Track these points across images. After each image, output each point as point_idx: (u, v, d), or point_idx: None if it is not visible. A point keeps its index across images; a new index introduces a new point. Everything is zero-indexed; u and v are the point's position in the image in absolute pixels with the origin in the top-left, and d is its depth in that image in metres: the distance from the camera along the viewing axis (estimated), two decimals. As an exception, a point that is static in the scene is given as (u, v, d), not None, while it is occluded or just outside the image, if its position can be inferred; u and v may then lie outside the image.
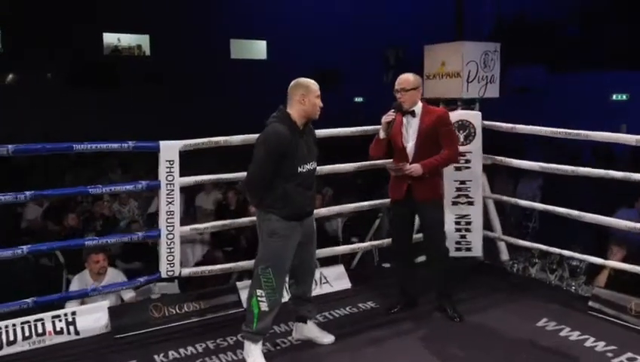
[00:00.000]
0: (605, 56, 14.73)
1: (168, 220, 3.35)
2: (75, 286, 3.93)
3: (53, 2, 15.99)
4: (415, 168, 3.34)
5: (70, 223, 6.37)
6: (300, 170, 2.86)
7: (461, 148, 4.08)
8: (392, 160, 3.61)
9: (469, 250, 4.21)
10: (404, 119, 3.46)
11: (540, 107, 13.71)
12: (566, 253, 3.91)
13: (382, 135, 3.45)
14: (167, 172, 3.30)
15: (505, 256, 4.55)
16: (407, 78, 3.44)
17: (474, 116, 4.12)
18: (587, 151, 9.92)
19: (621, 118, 12.80)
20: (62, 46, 16.38)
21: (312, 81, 2.94)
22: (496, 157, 4.15)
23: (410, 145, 3.44)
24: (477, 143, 4.10)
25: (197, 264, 5.54)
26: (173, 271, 3.44)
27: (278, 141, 2.78)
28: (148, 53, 19.62)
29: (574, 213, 3.78)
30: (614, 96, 15.18)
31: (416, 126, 3.42)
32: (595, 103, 13.97)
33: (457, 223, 4.19)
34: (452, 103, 4.69)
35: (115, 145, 3.23)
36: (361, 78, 19.71)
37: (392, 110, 3.42)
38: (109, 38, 19.15)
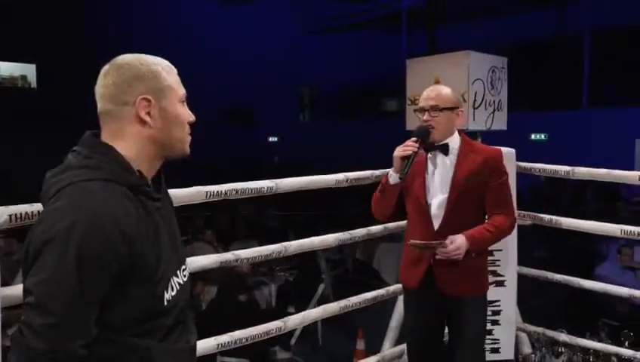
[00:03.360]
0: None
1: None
2: None
3: None
4: (460, 245, 2.06)
5: None
6: (167, 295, 1.22)
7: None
8: (405, 226, 2.32)
9: (496, 351, 2.85)
10: (430, 158, 2.22)
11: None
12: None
13: (393, 179, 2.16)
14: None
15: (527, 348, 3.26)
16: (441, 91, 2.23)
17: (507, 155, 2.82)
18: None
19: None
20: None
21: (160, 60, 1.27)
22: (542, 215, 2.81)
23: (437, 202, 2.16)
24: (510, 195, 2.77)
25: None
26: None
27: (108, 240, 1.09)
28: (34, 85, 17.45)
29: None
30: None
31: (450, 171, 2.17)
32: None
33: (481, 313, 2.82)
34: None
35: None
36: (275, 117, 18.60)
37: (414, 138, 2.14)
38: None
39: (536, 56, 14.14)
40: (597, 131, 12.58)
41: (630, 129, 12.04)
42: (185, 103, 1.28)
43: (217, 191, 1.87)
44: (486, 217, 2.25)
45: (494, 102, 3.31)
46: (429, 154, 2.22)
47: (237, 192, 1.90)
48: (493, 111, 3.31)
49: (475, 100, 3.18)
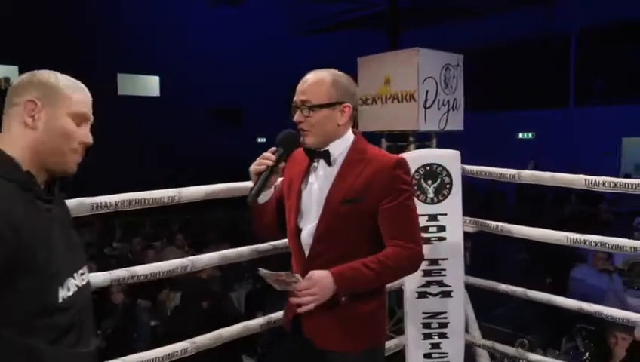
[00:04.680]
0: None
1: None
2: None
3: None
4: (315, 283, 1.55)
5: None
6: (62, 293, 1.18)
7: (432, 209, 2.58)
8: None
9: (443, 366, 2.67)
10: (313, 168, 1.73)
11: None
12: None
13: (250, 198, 1.68)
14: None
15: (485, 360, 3.08)
16: (316, 80, 1.66)
17: (450, 157, 2.63)
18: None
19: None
20: None
21: (73, 81, 1.29)
22: (488, 221, 2.60)
23: (309, 226, 1.68)
24: (454, 200, 2.59)
25: None
26: None
27: None
28: (15, 86, 17.26)
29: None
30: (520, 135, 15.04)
31: (329, 185, 1.67)
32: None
33: (426, 326, 2.64)
34: (400, 140, 3.26)
35: None
36: (264, 118, 18.44)
37: (273, 148, 1.70)
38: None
39: (523, 55, 14.03)
40: (583, 130, 12.46)
41: (617, 127, 11.93)
42: (85, 125, 1.27)
43: (106, 203, 1.68)
44: None
45: (449, 101, 3.14)
46: (314, 163, 1.71)
47: (130, 203, 1.72)
48: (448, 111, 3.13)
49: (426, 99, 3.01)
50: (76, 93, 1.26)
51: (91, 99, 1.30)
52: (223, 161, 15.12)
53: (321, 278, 1.54)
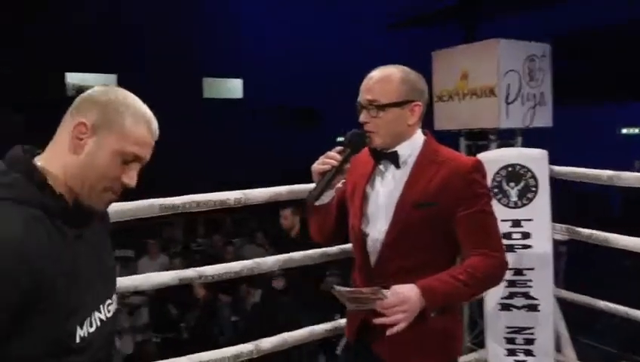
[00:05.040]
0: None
1: None
2: None
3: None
4: (405, 299, 1.42)
5: None
6: (82, 332, 1.07)
7: (516, 214, 2.39)
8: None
9: (528, 385, 2.46)
10: (378, 171, 1.62)
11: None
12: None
13: (310, 199, 1.59)
14: None
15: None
16: (383, 77, 1.55)
17: (534, 158, 2.42)
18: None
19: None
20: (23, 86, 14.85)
21: (143, 111, 1.12)
22: (580, 229, 2.32)
23: (375, 232, 1.57)
24: (541, 204, 2.37)
25: (127, 358, 4.45)
26: None
27: (7, 270, 0.95)
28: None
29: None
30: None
31: (399, 188, 1.56)
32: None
33: (510, 341, 2.45)
34: (480, 138, 3.07)
35: None
36: (343, 117, 18.37)
37: (339, 148, 1.60)
38: (73, 78, 17.81)
39: (626, 40, 12.93)
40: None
41: None
42: (134, 165, 1.10)
43: (173, 205, 1.69)
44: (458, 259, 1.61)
45: (534, 95, 2.91)
46: (380, 165, 1.60)
47: (197, 205, 1.71)
48: (534, 106, 2.91)
49: (508, 94, 2.81)
50: (137, 130, 1.09)
51: (155, 136, 1.13)
52: (301, 161, 15.26)
53: (410, 294, 1.42)
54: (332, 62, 18.62)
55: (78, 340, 1.05)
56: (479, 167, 1.55)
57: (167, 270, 5.91)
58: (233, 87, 19.84)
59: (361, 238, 1.58)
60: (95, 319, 1.10)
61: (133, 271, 5.94)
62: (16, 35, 14.12)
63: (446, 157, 1.56)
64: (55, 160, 1.07)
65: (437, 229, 1.51)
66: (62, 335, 1.03)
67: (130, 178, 1.10)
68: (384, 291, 1.42)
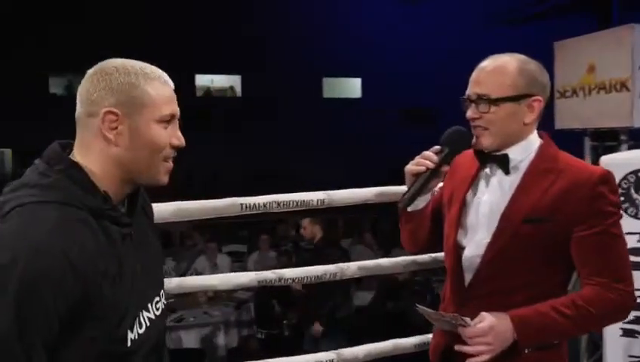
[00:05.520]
0: None
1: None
2: None
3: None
4: (488, 330, 1.25)
5: None
6: (132, 335, 1.04)
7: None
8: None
9: None
10: (483, 175, 1.42)
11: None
12: None
13: (402, 204, 1.43)
14: None
15: None
16: (496, 67, 1.35)
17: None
18: None
19: None
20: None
21: (150, 71, 1.06)
22: None
23: (473, 245, 1.38)
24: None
25: (230, 351, 4.66)
26: None
27: (54, 279, 0.91)
28: (239, 94, 19.35)
29: None
30: None
31: (506, 198, 1.35)
32: None
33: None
34: (609, 139, 2.72)
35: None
36: (461, 117, 17.74)
37: (437, 147, 1.43)
38: (202, 80, 19.04)
39: None
40: None
41: None
42: (171, 124, 1.07)
43: (255, 204, 1.65)
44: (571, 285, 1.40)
45: (677, 90, 2.50)
46: (485, 169, 1.40)
47: (279, 205, 1.66)
48: (676, 103, 2.50)
49: (644, 89, 2.44)
50: (160, 91, 1.05)
51: (173, 87, 1.09)
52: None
53: (498, 324, 1.25)
54: (450, 61, 18.00)
55: (129, 344, 1.02)
56: (608, 179, 1.32)
57: (274, 267, 6.09)
58: (352, 87, 19.98)
59: (456, 252, 1.40)
60: (144, 319, 1.07)
61: (244, 267, 6.17)
62: (146, 39, 15.41)
63: (567, 165, 1.33)
64: (91, 156, 1.03)
65: (548, 249, 1.30)
66: (113, 341, 1.00)
67: (178, 138, 1.07)
68: (467, 319, 1.27)
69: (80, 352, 0.97)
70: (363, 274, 1.85)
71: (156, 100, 1.03)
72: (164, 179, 1.08)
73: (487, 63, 1.37)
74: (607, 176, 1.32)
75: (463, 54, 18.59)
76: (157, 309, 1.11)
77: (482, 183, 1.40)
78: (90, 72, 1.06)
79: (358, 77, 19.73)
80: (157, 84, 1.05)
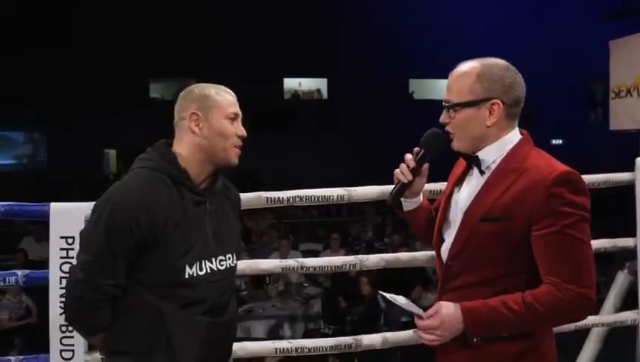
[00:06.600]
0: None
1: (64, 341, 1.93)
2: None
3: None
4: (441, 322, 1.33)
5: None
6: (191, 271, 1.45)
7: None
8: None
9: None
10: (469, 174, 1.48)
11: None
12: None
13: (388, 203, 1.61)
14: (64, 257, 1.90)
15: None
16: (460, 73, 1.42)
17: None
18: None
19: None
20: (246, 91, 17.02)
21: (218, 87, 1.56)
22: None
23: (449, 239, 1.45)
24: None
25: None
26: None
27: (132, 214, 1.40)
28: (325, 96, 19.67)
29: None
30: None
31: (470, 195, 1.42)
32: None
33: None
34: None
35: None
36: (559, 118, 16.88)
37: (416, 148, 1.53)
38: (290, 83, 19.59)
39: None
40: None
41: None
42: (236, 120, 1.53)
43: (279, 198, 1.81)
44: None
45: None
46: (471, 169, 1.46)
47: (301, 199, 1.81)
48: None
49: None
50: (225, 98, 1.54)
51: (235, 98, 1.55)
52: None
53: (448, 316, 1.32)
54: (548, 60, 17.20)
55: (187, 276, 1.43)
56: (567, 180, 1.32)
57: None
58: (441, 88, 19.63)
59: (438, 245, 1.49)
60: (205, 265, 1.46)
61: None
62: (237, 46, 16.09)
63: (531, 165, 1.35)
64: (183, 146, 1.51)
65: (508, 247, 1.34)
66: (173, 271, 1.42)
67: (241, 131, 1.53)
68: (420, 312, 1.36)
69: (149, 272, 1.41)
70: (382, 266, 1.95)
71: (222, 104, 1.51)
72: (235, 160, 1.52)
73: (456, 69, 1.44)
74: (566, 176, 1.32)
75: (562, 50, 17.65)
76: (221, 265, 1.50)
77: (465, 182, 1.48)
78: (181, 93, 1.56)
79: (445, 78, 19.35)
80: (222, 94, 1.53)
